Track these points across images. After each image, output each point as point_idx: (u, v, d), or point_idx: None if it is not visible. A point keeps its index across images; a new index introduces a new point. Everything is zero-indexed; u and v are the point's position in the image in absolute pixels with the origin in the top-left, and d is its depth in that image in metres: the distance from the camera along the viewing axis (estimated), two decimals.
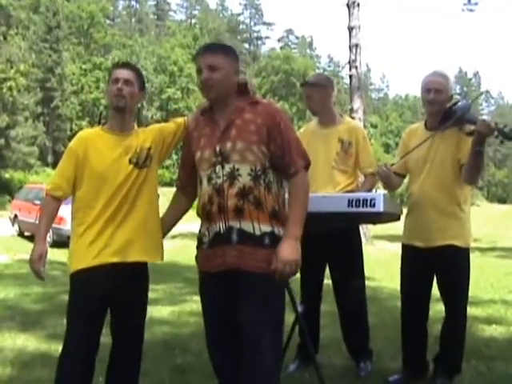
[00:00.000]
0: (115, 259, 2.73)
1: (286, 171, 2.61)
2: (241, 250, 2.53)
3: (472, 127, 3.42)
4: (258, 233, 2.54)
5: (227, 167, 2.56)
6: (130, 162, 2.79)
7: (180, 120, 3.05)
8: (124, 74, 2.84)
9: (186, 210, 3.03)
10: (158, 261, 2.88)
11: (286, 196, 2.71)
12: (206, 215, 2.64)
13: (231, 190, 2.54)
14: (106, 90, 2.94)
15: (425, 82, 3.64)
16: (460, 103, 3.62)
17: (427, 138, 3.56)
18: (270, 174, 2.60)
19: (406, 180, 3.89)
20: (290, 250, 2.50)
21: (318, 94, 4.00)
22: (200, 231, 2.73)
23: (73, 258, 2.79)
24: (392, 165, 3.67)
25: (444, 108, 3.58)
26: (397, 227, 3.71)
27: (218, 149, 2.59)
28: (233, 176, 2.55)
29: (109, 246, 2.73)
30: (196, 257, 2.78)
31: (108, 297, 2.77)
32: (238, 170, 2.54)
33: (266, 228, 2.55)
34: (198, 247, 2.75)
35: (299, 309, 3.57)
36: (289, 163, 2.59)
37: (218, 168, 2.58)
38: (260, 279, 2.51)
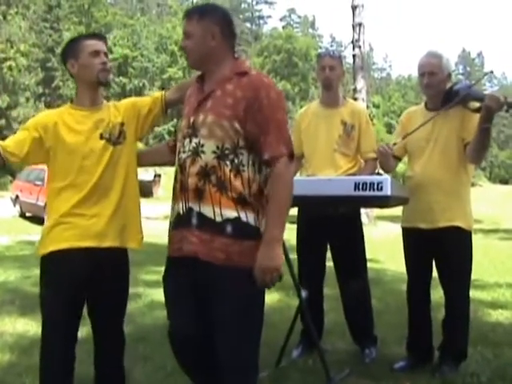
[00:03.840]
0: (92, 243, 2.59)
1: (261, 155, 2.27)
2: (199, 236, 2.26)
3: (477, 104, 3.34)
4: (218, 219, 2.24)
5: (194, 142, 2.31)
6: (102, 137, 2.65)
7: (157, 94, 2.91)
8: (102, 46, 2.69)
9: (163, 161, 2.93)
10: (134, 247, 2.73)
11: None
12: (173, 193, 2.44)
13: (192, 167, 2.29)
14: (74, 62, 2.68)
15: (419, 65, 3.56)
16: (460, 83, 3.54)
17: (431, 118, 3.47)
18: (244, 155, 2.27)
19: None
20: (268, 256, 2.19)
21: (339, 67, 3.94)
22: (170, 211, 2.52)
23: (48, 239, 2.62)
24: (394, 144, 3.59)
25: (443, 89, 3.51)
26: (400, 208, 3.63)
27: (191, 120, 2.35)
28: (196, 152, 2.29)
29: (85, 228, 2.59)
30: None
31: (85, 286, 2.63)
32: (202, 145, 2.28)
33: (230, 214, 2.24)
34: (169, 229, 2.48)
35: (303, 294, 3.52)
36: (264, 146, 2.25)
37: (186, 141, 2.35)
38: (217, 273, 2.23)
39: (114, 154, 2.66)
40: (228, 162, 2.26)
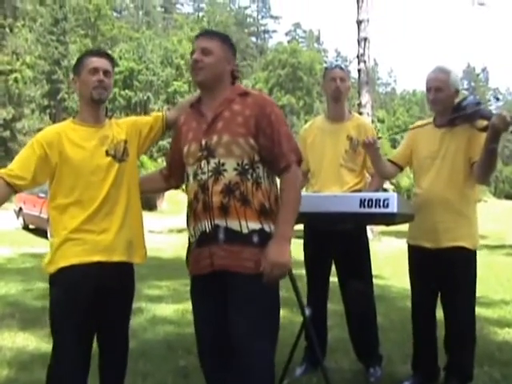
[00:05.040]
0: (102, 258, 2.58)
1: (276, 165, 2.46)
2: (228, 249, 2.40)
3: (485, 122, 3.28)
4: (245, 231, 2.39)
5: (212, 162, 2.43)
6: (108, 153, 2.65)
7: (158, 113, 2.95)
8: (103, 63, 2.68)
9: (157, 189, 3.07)
10: (138, 262, 2.74)
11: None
12: (192, 213, 2.52)
13: (216, 186, 2.41)
14: (76, 79, 2.71)
15: (426, 79, 3.51)
16: (469, 98, 3.48)
17: (427, 123, 3.51)
18: (260, 168, 2.46)
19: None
20: (278, 252, 2.35)
21: (347, 80, 3.93)
22: (189, 232, 2.60)
23: (57, 255, 2.60)
24: (379, 138, 3.57)
25: (450, 105, 3.45)
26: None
27: (203, 143, 2.47)
28: (218, 171, 2.42)
29: (95, 244, 2.59)
30: (186, 260, 2.63)
31: (93, 299, 2.60)
32: (223, 164, 2.41)
33: (255, 225, 2.40)
34: (188, 249, 2.62)
35: (307, 312, 3.45)
36: (279, 157, 2.44)
37: (203, 163, 2.46)
38: (248, 280, 2.37)
39: (119, 170, 2.67)
40: (249, 176, 2.43)
